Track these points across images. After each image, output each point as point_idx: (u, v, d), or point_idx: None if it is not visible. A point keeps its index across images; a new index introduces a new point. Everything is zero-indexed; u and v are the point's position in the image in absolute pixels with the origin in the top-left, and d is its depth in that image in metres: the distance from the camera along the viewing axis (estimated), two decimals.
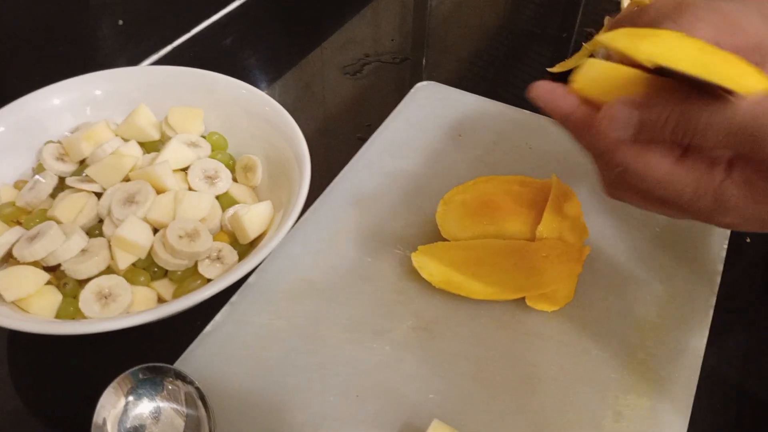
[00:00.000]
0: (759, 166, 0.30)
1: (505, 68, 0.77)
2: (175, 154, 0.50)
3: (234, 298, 0.48)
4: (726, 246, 0.53)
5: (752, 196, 0.30)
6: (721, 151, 0.31)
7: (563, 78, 0.72)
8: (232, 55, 0.77)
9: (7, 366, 0.46)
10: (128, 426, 0.36)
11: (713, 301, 0.49)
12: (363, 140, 0.62)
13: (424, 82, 0.68)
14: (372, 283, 0.49)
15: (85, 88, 0.55)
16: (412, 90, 0.67)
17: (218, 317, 0.47)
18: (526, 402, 0.43)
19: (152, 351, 0.44)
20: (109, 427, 0.36)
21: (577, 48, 0.75)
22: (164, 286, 0.46)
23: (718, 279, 0.50)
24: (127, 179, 0.49)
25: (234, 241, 0.48)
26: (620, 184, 0.34)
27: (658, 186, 0.32)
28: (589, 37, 0.77)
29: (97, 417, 0.36)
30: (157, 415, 0.37)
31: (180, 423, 0.37)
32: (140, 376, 0.38)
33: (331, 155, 0.61)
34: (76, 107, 0.54)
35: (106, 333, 0.40)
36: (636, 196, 0.34)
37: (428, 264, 0.48)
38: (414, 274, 0.49)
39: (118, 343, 0.46)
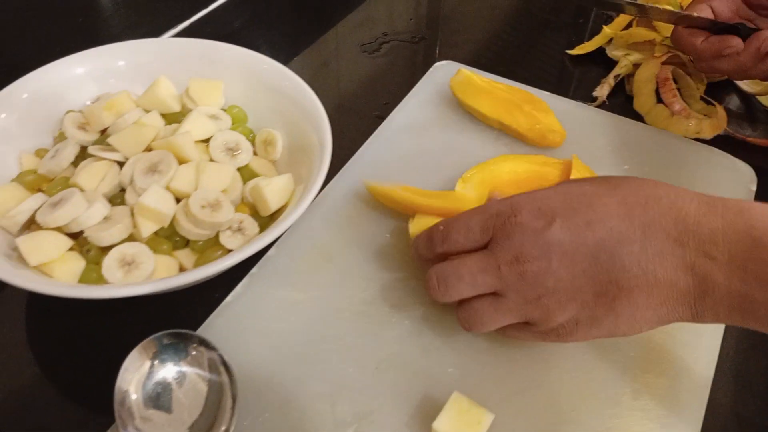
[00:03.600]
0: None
1: (522, 48, 0.76)
2: (196, 125, 0.50)
3: (254, 270, 0.48)
4: None
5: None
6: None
7: (582, 60, 0.73)
8: (248, 32, 0.76)
9: (24, 333, 0.46)
10: (151, 389, 0.37)
11: None
12: (381, 118, 0.61)
13: (443, 62, 0.68)
14: (390, 258, 0.49)
15: (109, 59, 0.54)
16: (431, 69, 0.67)
17: (238, 288, 0.47)
18: (545, 377, 0.43)
19: (172, 321, 0.44)
20: (132, 389, 0.36)
21: (596, 30, 0.75)
22: (186, 256, 0.46)
23: None
24: (149, 149, 0.49)
25: (254, 214, 0.48)
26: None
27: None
28: (608, 19, 0.77)
29: (121, 380, 0.36)
30: (180, 379, 0.37)
31: (203, 388, 0.37)
32: (164, 341, 0.38)
33: (348, 133, 0.61)
34: (98, 77, 0.54)
35: (127, 301, 0.40)
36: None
37: None
38: None
39: (138, 312, 0.46)
